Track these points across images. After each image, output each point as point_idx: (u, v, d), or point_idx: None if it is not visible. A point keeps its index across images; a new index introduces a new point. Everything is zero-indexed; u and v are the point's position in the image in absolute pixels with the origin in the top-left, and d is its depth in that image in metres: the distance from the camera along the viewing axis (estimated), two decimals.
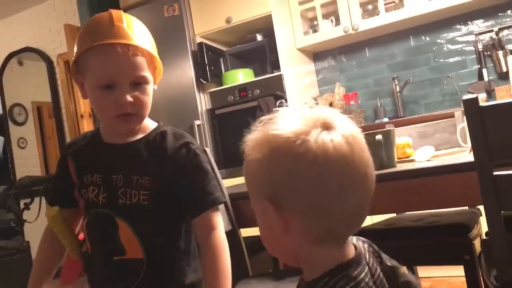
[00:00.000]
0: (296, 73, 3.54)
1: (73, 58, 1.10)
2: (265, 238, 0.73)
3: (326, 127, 0.67)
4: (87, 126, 3.95)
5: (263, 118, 0.71)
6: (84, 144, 1.19)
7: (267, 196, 0.68)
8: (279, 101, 1.97)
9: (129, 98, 1.05)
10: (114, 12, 1.08)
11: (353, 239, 0.74)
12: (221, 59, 3.68)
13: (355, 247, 0.72)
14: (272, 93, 3.24)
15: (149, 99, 1.11)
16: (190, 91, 3.48)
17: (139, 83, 1.07)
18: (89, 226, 1.13)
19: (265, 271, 1.90)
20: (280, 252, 0.74)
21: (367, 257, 0.73)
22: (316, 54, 3.85)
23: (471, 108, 1.07)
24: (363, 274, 0.68)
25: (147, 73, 1.09)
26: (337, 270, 0.67)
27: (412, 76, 3.49)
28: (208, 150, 1.68)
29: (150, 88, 1.12)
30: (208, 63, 3.47)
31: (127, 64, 1.04)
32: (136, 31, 1.09)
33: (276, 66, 3.39)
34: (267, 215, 0.68)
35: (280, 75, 3.29)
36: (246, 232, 1.70)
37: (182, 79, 3.50)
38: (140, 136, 1.14)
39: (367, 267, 0.70)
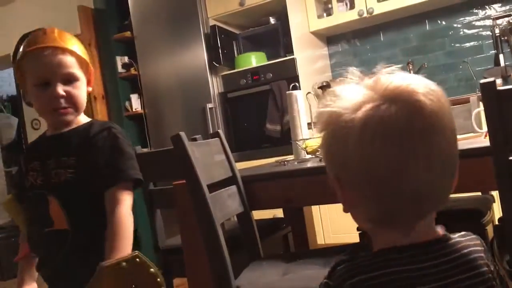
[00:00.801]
0: (309, 57, 3.51)
1: (14, 70, 1.27)
2: (345, 210, 0.71)
3: (388, 98, 0.61)
4: (100, 108, 3.97)
5: (331, 90, 0.68)
6: (32, 142, 1.40)
7: (334, 174, 0.67)
8: (292, 84, 1.97)
9: (61, 92, 1.21)
10: (48, 28, 1.27)
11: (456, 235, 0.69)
12: (234, 42, 3.67)
13: (441, 238, 0.66)
14: (285, 77, 3.23)
15: (81, 94, 1.25)
16: (203, 74, 3.47)
17: (69, 80, 1.23)
18: (28, 205, 1.31)
19: (276, 253, 1.92)
20: (358, 223, 0.73)
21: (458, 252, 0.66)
22: (330, 38, 3.81)
23: (488, 92, 1.06)
24: (381, 265, 0.63)
25: (76, 71, 1.24)
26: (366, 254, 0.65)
27: (427, 61, 3.44)
28: (221, 132, 1.69)
29: (82, 84, 1.26)
30: (221, 46, 3.46)
31: (57, 63, 1.21)
32: (65, 39, 1.25)
33: (289, 49, 3.37)
34: (337, 191, 0.67)
35: (293, 58, 3.27)
36: (258, 214, 1.71)
37: (195, 62, 3.49)
38: (74, 127, 1.29)
39: (418, 259, 0.64)
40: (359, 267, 0.64)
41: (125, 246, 1.15)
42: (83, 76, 1.26)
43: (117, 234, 1.16)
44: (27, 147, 1.43)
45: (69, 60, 1.22)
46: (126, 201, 1.20)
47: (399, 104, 0.60)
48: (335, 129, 0.63)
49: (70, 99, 1.22)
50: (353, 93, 0.64)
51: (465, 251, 0.67)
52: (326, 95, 0.67)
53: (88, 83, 1.30)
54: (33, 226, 1.29)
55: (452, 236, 0.69)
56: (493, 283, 0.67)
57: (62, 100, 1.21)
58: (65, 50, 1.22)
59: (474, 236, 0.71)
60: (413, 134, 0.59)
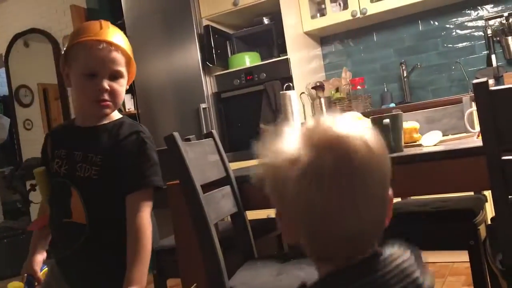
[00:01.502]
0: (302, 57, 3.52)
1: (63, 50, 1.29)
2: (285, 241, 0.77)
3: (321, 146, 0.66)
4: None
5: (270, 140, 0.72)
6: (61, 127, 1.44)
7: (276, 210, 0.72)
8: (286, 84, 1.97)
9: (106, 86, 1.25)
10: (104, 21, 1.31)
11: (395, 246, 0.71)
12: (227, 42, 3.67)
13: (375, 256, 0.69)
14: (279, 77, 3.23)
15: (122, 91, 1.31)
16: (196, 74, 3.46)
17: (115, 76, 1.28)
18: (51, 192, 1.34)
19: (270, 253, 1.92)
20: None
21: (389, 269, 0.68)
22: (323, 38, 3.82)
23: (481, 91, 1.07)
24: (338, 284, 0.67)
25: (123, 69, 1.29)
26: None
27: (420, 61, 3.46)
28: (214, 132, 1.69)
29: (125, 82, 1.32)
30: (215, 46, 3.45)
31: (108, 58, 1.25)
32: (119, 36, 1.30)
33: (282, 50, 3.37)
34: (279, 224, 0.73)
35: (287, 59, 3.27)
36: (252, 215, 1.71)
37: (188, 62, 3.49)
38: (105, 122, 1.33)
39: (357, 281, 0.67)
40: None
41: (147, 256, 1.21)
42: (127, 74, 1.32)
43: (139, 243, 1.20)
44: (53, 130, 1.44)
45: (119, 57, 1.27)
46: (147, 208, 1.25)
47: (328, 154, 0.65)
48: (275, 179, 0.69)
49: (113, 94, 1.28)
50: (290, 145, 0.68)
51: (398, 262, 0.69)
52: (266, 146, 0.72)
53: (129, 80, 1.35)
54: (53, 211, 1.33)
55: (385, 250, 0.71)
56: None
57: (106, 94, 1.26)
58: (118, 48, 1.26)
59: (404, 248, 0.73)
60: (340, 180, 0.64)
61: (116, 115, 1.36)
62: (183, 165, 1.33)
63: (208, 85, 3.50)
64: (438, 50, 3.44)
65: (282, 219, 0.72)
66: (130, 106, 3.92)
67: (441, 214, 1.67)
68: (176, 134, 1.35)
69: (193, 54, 3.46)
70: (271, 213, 2.73)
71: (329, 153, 0.65)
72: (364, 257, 0.68)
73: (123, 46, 1.28)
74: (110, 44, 1.25)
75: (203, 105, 3.42)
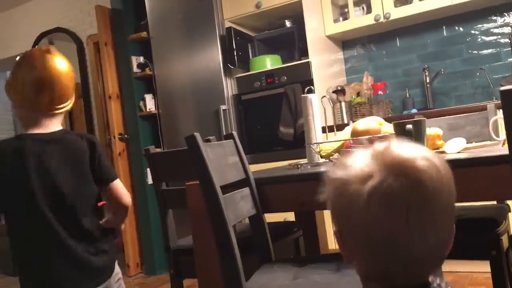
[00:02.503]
0: (324, 61, 3.51)
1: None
2: (344, 260, 0.75)
3: (393, 172, 0.66)
4: (114, 107, 4.00)
5: (341, 158, 0.74)
6: None
7: (337, 228, 0.73)
8: (307, 88, 1.96)
9: None
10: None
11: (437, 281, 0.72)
12: (249, 44, 3.67)
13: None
14: (299, 80, 3.22)
15: None
16: (217, 76, 3.48)
17: None
18: None
19: (287, 257, 1.91)
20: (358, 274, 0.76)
21: None
22: (345, 42, 3.80)
23: (508, 99, 1.04)
24: None
25: None
26: None
27: (444, 67, 3.41)
28: (235, 134, 1.69)
29: None
30: (236, 48, 3.46)
31: None
32: None
33: (304, 53, 3.36)
34: (339, 243, 0.73)
35: (308, 62, 3.26)
36: (269, 218, 1.71)
37: (209, 64, 3.50)
38: None
39: None
40: None
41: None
42: None
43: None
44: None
45: None
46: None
47: (402, 178, 0.65)
48: (343, 194, 0.69)
49: None
50: (361, 163, 0.69)
51: None
52: (336, 162, 0.74)
53: None
54: None
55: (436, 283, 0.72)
56: None
57: None
58: None
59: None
60: (410, 206, 0.64)
61: None
62: (203, 165, 1.33)
63: (229, 87, 3.51)
64: (462, 57, 3.39)
65: (342, 236, 0.72)
66: (151, 106, 3.95)
67: (463, 223, 1.63)
68: (197, 134, 1.35)
69: (215, 55, 3.47)
70: (288, 216, 2.72)
71: (402, 176, 0.65)
72: (418, 283, 0.69)
73: None
74: None
75: (223, 107, 3.43)
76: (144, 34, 3.85)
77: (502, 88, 1.05)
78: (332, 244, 3.03)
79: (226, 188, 1.44)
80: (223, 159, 1.53)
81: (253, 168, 1.89)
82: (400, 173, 0.66)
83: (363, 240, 0.68)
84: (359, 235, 0.68)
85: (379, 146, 0.71)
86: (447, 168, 0.69)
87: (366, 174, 0.67)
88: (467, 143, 1.63)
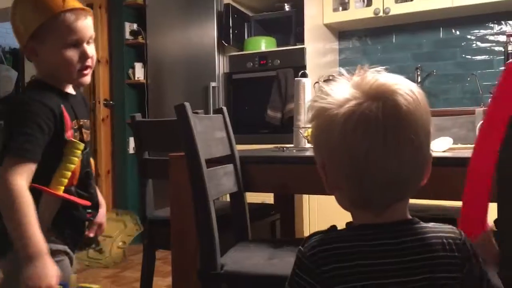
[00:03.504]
0: (319, 49, 3.49)
1: (31, 30, 1.19)
2: (328, 192, 0.78)
3: (370, 96, 0.69)
4: (102, 72, 3.92)
5: (321, 87, 0.77)
6: (68, 97, 1.29)
7: (320, 160, 0.75)
8: (301, 72, 1.94)
9: (89, 52, 1.24)
10: None
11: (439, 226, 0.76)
12: (245, 23, 3.63)
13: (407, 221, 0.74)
14: (292, 66, 3.20)
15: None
16: (210, 52, 3.44)
17: (90, 42, 1.25)
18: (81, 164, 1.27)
19: (263, 237, 1.91)
20: (341, 205, 0.79)
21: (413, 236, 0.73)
22: (342, 33, 3.78)
23: None
24: (350, 238, 0.72)
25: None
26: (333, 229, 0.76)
27: (436, 69, 3.43)
28: (224, 109, 1.67)
29: None
30: (232, 26, 3.42)
31: (88, 25, 1.23)
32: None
33: (299, 39, 3.34)
34: (322, 176, 0.76)
35: (303, 48, 3.24)
36: (250, 198, 1.70)
37: (204, 38, 3.46)
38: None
39: (380, 235, 0.72)
40: (330, 238, 0.74)
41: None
42: None
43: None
44: (66, 102, 1.26)
45: (92, 22, 1.25)
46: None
47: (379, 102, 0.68)
48: (323, 121, 0.73)
49: (93, 59, 1.26)
50: (340, 91, 0.72)
51: (428, 235, 0.73)
52: (317, 91, 0.79)
53: None
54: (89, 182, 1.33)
55: (423, 222, 0.76)
56: (455, 270, 0.72)
57: (89, 60, 1.24)
58: (87, 12, 1.24)
59: (450, 226, 0.78)
60: (386, 129, 0.68)
61: None
62: (190, 136, 1.31)
63: (221, 65, 3.47)
64: (455, 60, 3.41)
65: (324, 167, 0.74)
66: (139, 75, 3.89)
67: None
68: (187, 104, 1.33)
69: (210, 30, 3.43)
70: (266, 199, 2.71)
71: (379, 99, 0.69)
72: (404, 219, 0.74)
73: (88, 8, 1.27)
74: (83, 10, 1.22)
75: (213, 84, 3.40)
76: (140, 0, 3.78)
77: None
78: (308, 231, 3.05)
79: (211, 163, 1.43)
80: (210, 132, 1.52)
81: (237, 148, 1.88)
82: (376, 96, 0.69)
83: (343, 165, 0.71)
84: (339, 159, 0.71)
85: (357, 76, 0.74)
86: (422, 93, 0.73)
87: (344, 99, 0.70)
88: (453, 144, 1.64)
